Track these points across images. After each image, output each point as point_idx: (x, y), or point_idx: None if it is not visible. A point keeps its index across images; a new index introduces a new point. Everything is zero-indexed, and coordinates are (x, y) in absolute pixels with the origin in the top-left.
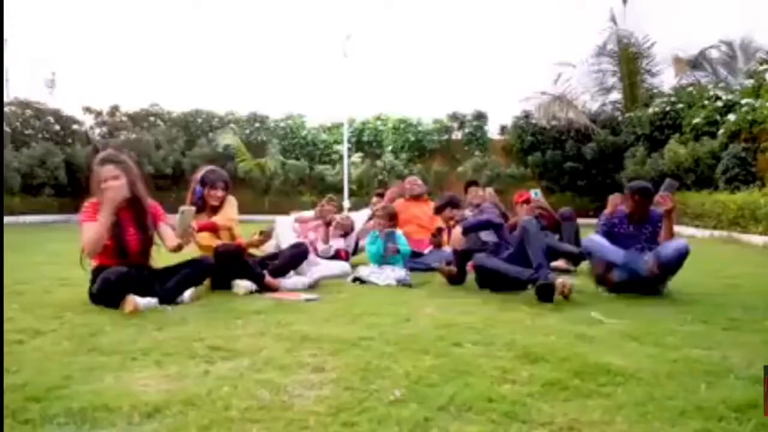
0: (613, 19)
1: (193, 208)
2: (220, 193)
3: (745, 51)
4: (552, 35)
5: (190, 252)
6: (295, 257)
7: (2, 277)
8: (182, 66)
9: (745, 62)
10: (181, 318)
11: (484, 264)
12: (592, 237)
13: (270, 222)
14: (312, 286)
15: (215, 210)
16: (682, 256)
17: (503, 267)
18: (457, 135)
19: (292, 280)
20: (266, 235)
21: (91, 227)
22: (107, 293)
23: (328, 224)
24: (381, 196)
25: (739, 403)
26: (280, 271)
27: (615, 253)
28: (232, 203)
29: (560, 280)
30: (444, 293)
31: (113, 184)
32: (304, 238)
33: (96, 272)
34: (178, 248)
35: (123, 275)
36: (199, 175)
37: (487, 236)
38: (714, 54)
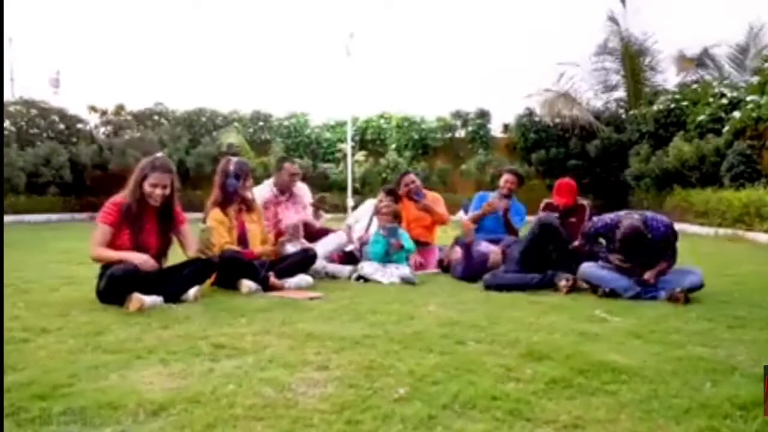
0: (612, 18)
1: (212, 226)
2: (250, 182)
3: (755, 47)
4: (555, 33)
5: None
6: (303, 262)
7: (2, 277)
8: (186, 65)
9: (753, 58)
10: (186, 316)
11: (490, 285)
12: (588, 270)
13: None
14: (313, 275)
15: (245, 203)
16: (694, 289)
17: (512, 281)
18: (461, 133)
19: (296, 278)
20: (280, 246)
21: (105, 231)
22: (114, 290)
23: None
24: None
25: (744, 401)
26: (287, 274)
27: (617, 282)
28: (260, 213)
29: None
30: (448, 291)
31: (159, 193)
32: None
33: (104, 270)
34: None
35: (130, 272)
36: (230, 168)
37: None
38: (720, 51)
